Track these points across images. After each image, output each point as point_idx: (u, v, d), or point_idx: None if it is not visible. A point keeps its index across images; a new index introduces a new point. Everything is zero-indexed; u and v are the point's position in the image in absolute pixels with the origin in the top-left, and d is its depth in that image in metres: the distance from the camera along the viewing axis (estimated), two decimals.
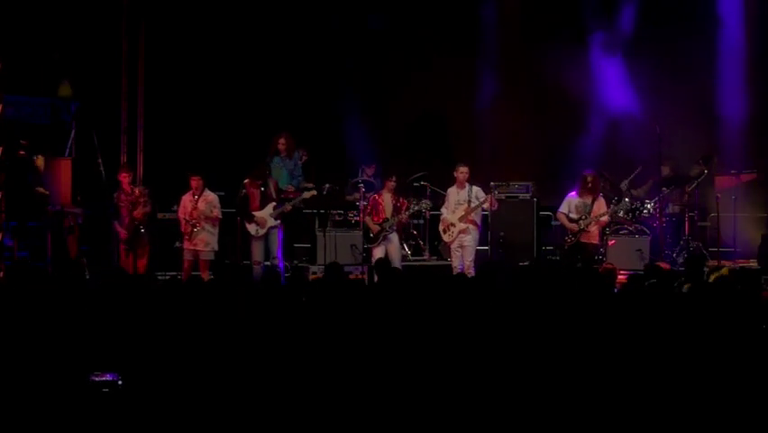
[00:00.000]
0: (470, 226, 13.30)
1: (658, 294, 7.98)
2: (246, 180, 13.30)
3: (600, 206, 13.29)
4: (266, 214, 13.13)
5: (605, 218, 13.35)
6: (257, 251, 13.13)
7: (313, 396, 5.97)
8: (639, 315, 7.11)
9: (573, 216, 13.24)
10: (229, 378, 6.16)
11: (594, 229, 13.25)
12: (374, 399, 5.93)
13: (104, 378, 6.18)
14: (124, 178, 13.38)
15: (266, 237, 13.15)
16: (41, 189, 13.66)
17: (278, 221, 13.17)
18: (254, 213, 13.12)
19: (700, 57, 15.53)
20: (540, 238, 14.85)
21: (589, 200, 13.22)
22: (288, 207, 13.30)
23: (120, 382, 6.13)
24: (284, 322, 7.15)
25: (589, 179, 13.25)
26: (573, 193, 13.36)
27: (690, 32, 15.40)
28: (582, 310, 7.22)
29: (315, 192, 13.65)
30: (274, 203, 13.18)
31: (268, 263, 13.07)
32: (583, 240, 13.14)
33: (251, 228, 13.12)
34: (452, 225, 13.39)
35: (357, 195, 14.67)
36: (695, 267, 9.98)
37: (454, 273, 12.66)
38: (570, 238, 13.20)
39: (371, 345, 6.61)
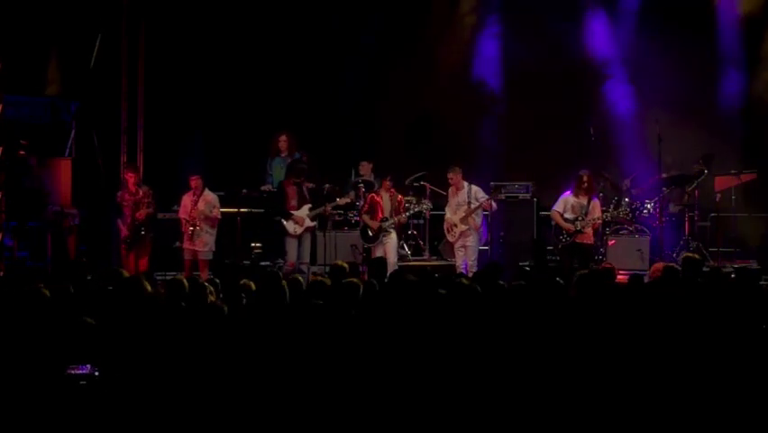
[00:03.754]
0: (472, 228, 13.33)
1: (658, 294, 7.98)
2: (284, 179, 13.44)
3: (597, 207, 13.09)
4: (303, 213, 13.20)
5: (600, 220, 13.24)
6: (292, 251, 13.15)
7: (310, 395, 5.97)
8: (640, 315, 7.11)
9: (569, 216, 12.98)
10: (228, 379, 6.17)
11: (589, 230, 13.11)
12: (374, 398, 5.92)
13: (80, 371, 6.21)
14: (130, 177, 13.35)
15: (300, 239, 13.18)
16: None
17: (315, 222, 13.24)
18: (293, 211, 13.16)
19: (701, 56, 15.53)
20: (540, 238, 14.83)
21: (584, 200, 12.97)
22: (328, 208, 13.39)
23: (96, 374, 6.17)
24: (283, 322, 7.15)
25: (584, 178, 12.96)
26: (568, 192, 13.13)
27: (690, 30, 15.40)
28: (582, 310, 7.22)
29: (349, 199, 13.78)
30: (309, 204, 13.23)
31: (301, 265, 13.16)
32: (579, 240, 12.95)
33: (290, 226, 13.14)
34: (455, 225, 13.43)
35: (356, 195, 14.65)
36: (693, 268, 9.96)
37: (457, 272, 12.66)
38: (564, 239, 13.02)
39: (369, 345, 6.61)
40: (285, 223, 13.16)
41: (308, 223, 13.23)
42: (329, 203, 13.54)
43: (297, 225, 13.16)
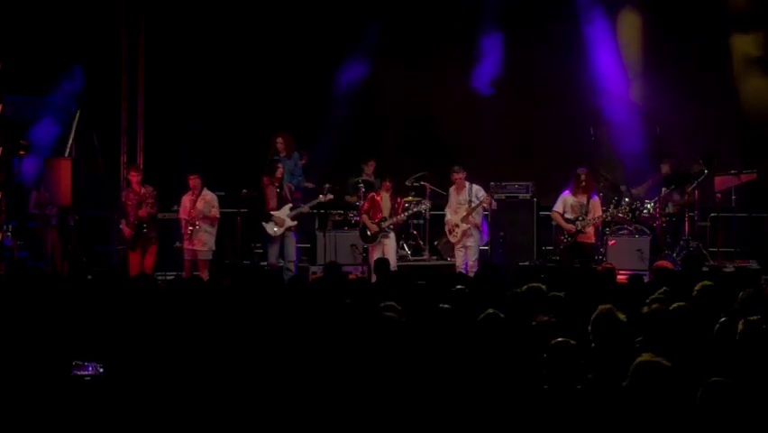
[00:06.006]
0: (472, 227, 13.32)
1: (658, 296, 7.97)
2: (263, 179, 13.20)
3: (597, 206, 12.99)
4: (283, 214, 13.01)
5: (601, 219, 13.20)
6: (273, 252, 13.01)
7: (310, 395, 5.97)
8: (639, 315, 7.11)
9: (569, 215, 12.85)
10: (230, 377, 6.17)
11: (591, 229, 13.06)
12: (373, 400, 5.93)
13: (85, 370, 6.23)
14: (134, 177, 13.30)
15: (282, 239, 13.05)
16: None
17: (295, 222, 13.08)
18: (272, 212, 13.03)
19: (701, 56, 15.55)
20: (540, 238, 14.84)
21: (584, 199, 12.84)
22: (306, 208, 13.21)
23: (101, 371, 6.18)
24: (284, 321, 7.15)
25: (582, 177, 12.80)
26: (567, 191, 12.99)
27: (691, 32, 15.42)
28: (582, 311, 7.21)
29: (332, 196, 13.56)
30: (290, 204, 13.08)
31: (282, 265, 13.00)
32: (580, 240, 12.84)
33: (269, 228, 12.96)
34: (456, 225, 13.42)
35: (356, 195, 14.63)
36: (692, 267, 9.97)
37: (457, 272, 12.62)
38: (566, 239, 12.88)
39: (371, 346, 6.61)
40: (265, 225, 12.99)
41: (289, 223, 12.99)
42: (308, 202, 13.31)
43: (276, 227, 12.97)
